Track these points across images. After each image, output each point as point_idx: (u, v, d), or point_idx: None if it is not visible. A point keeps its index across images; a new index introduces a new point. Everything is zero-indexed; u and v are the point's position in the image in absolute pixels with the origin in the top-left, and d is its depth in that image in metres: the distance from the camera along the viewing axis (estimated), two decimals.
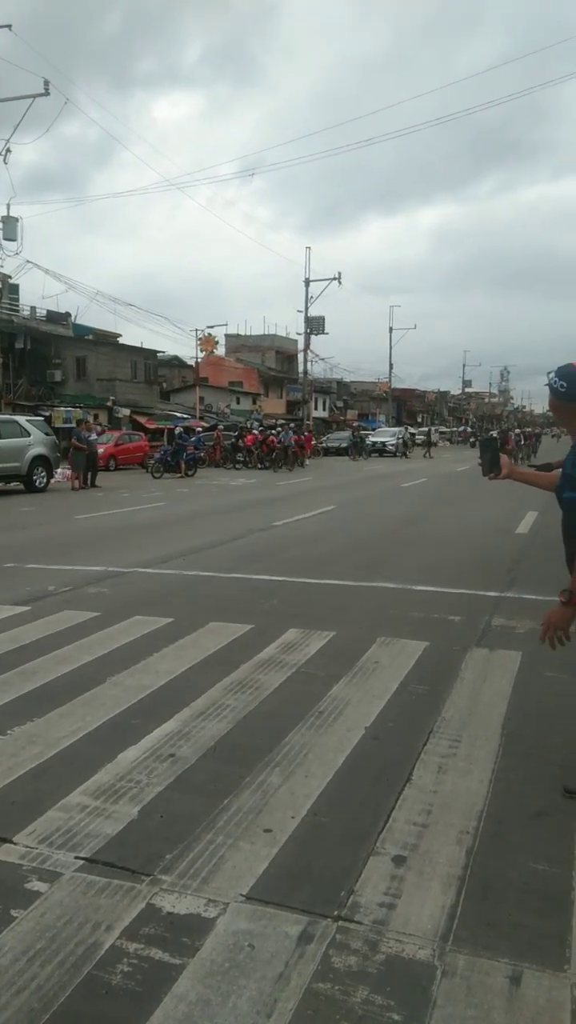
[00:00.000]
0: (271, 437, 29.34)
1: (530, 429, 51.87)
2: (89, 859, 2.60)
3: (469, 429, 71.58)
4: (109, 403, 36.52)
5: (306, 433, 36.17)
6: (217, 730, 3.65)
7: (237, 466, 29.22)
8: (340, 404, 68.82)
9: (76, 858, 2.61)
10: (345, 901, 2.36)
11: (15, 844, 2.71)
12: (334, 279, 43.36)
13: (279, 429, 30.63)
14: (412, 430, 53.91)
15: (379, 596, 6.67)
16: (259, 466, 28.67)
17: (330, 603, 6.41)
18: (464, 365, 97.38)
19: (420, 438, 47.61)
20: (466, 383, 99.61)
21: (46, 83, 23.18)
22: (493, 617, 5.89)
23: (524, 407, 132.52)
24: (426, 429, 50.80)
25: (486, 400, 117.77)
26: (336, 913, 2.31)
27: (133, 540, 10.19)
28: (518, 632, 5.43)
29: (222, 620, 5.71)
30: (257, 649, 4.97)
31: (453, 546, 9.66)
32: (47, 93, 23.15)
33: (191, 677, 4.44)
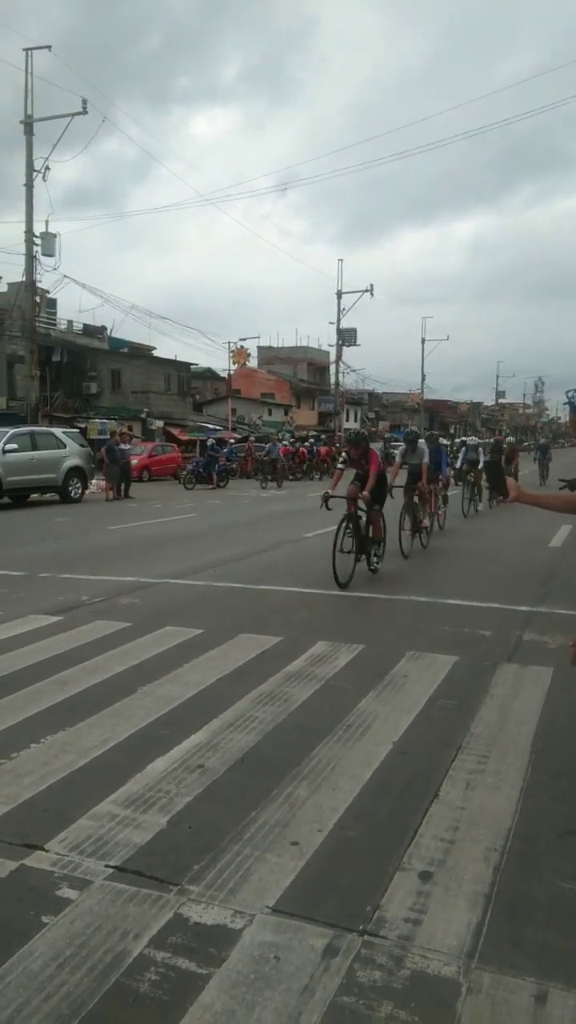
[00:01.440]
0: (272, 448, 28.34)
1: (514, 439, 27.59)
2: (119, 868, 2.64)
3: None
4: (143, 415, 36.97)
5: (336, 445, 36.15)
6: (245, 742, 3.68)
7: (268, 477, 29.27)
8: (372, 415, 68.73)
9: (106, 866, 2.65)
10: (371, 916, 2.37)
11: (47, 851, 2.76)
12: (366, 291, 43.51)
13: (269, 441, 29.22)
14: (444, 441, 53.58)
15: (409, 609, 6.65)
16: (291, 477, 28.67)
17: (359, 616, 6.41)
18: (498, 376, 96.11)
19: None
20: (500, 394, 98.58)
21: (84, 102, 23.74)
22: (524, 632, 5.84)
23: (559, 418, 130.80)
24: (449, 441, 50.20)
25: (520, 411, 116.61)
26: (362, 927, 2.31)
27: (165, 551, 10.29)
28: (550, 647, 5.38)
29: (252, 632, 5.75)
30: (286, 661, 4.99)
31: (484, 559, 9.60)
32: (85, 112, 23.69)
33: (220, 688, 4.48)
